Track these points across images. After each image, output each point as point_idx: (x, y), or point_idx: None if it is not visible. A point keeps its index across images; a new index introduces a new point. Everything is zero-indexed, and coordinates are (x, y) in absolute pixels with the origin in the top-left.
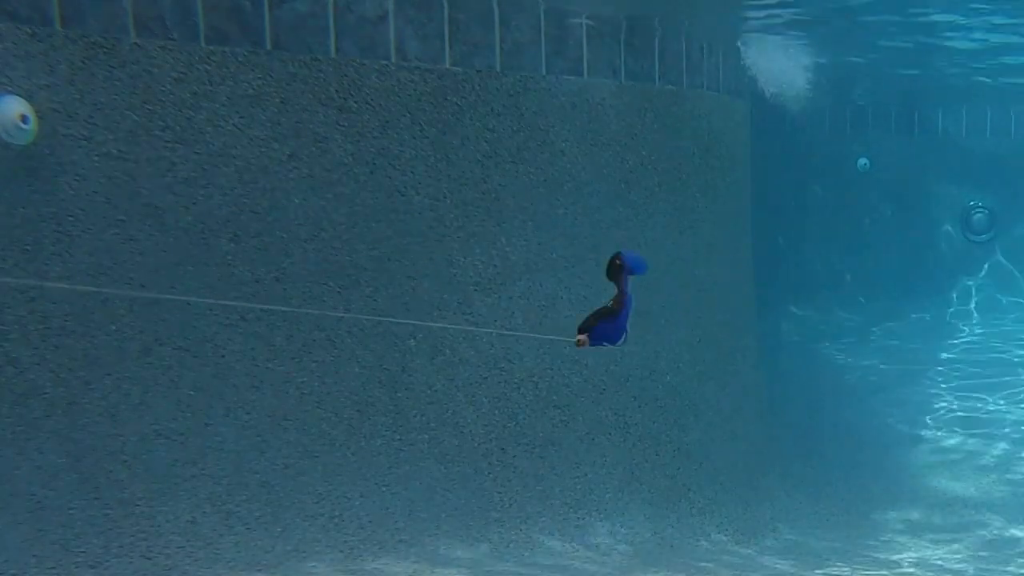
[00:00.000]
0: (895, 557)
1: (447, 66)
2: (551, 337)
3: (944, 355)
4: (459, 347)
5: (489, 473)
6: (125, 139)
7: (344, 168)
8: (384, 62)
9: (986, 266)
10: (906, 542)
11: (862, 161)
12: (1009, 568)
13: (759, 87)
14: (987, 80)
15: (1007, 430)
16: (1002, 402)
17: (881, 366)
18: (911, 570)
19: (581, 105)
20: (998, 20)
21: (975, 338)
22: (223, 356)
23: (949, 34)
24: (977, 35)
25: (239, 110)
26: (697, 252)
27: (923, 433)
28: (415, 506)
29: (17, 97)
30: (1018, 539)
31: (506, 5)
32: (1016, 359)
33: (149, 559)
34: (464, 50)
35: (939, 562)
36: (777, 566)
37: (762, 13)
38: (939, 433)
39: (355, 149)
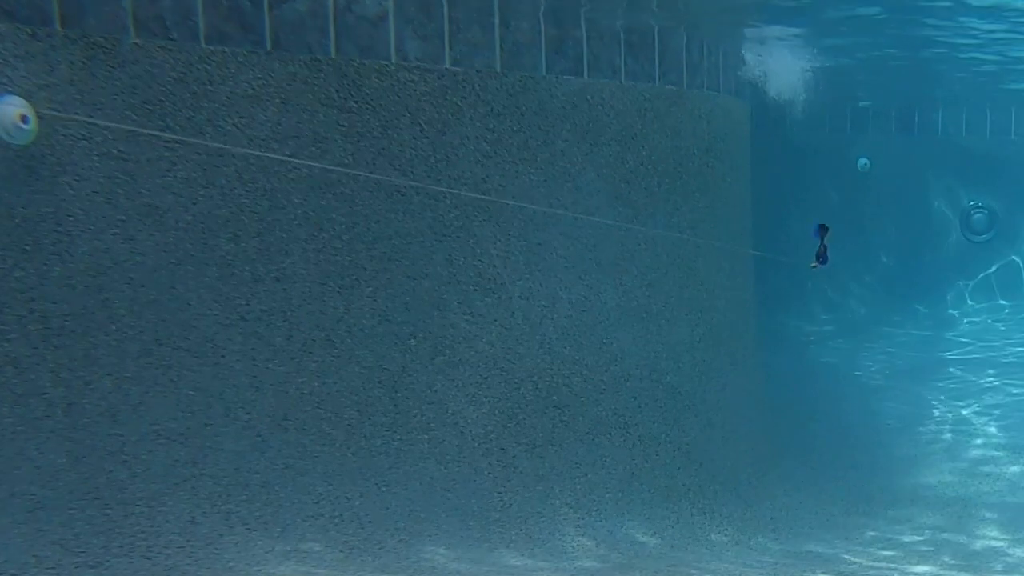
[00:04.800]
0: (896, 557)
1: (447, 66)
2: None
3: (944, 355)
4: (459, 347)
5: (489, 473)
6: (125, 139)
7: (344, 168)
8: (384, 62)
9: (986, 266)
10: (907, 542)
11: (862, 161)
12: (1012, 566)
13: (760, 87)
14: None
15: (1008, 430)
16: (1003, 402)
17: (881, 366)
18: (913, 570)
19: (581, 105)
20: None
21: (975, 338)
22: (223, 356)
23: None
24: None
25: (239, 110)
26: (697, 252)
27: (924, 433)
28: (415, 506)
29: (17, 97)
30: (1021, 538)
31: (506, 5)
32: (1016, 359)
33: (149, 559)
34: (464, 50)
35: (941, 562)
36: (777, 566)
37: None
38: (940, 433)
39: (355, 149)
